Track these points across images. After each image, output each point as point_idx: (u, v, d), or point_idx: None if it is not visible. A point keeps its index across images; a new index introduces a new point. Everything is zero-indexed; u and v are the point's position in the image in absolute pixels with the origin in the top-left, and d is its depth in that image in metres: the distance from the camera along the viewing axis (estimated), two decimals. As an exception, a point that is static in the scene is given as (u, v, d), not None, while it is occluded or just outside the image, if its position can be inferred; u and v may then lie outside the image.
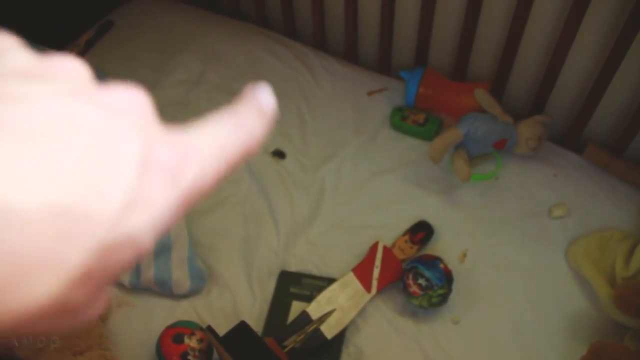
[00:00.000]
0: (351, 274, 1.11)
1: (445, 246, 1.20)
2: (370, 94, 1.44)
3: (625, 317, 1.06)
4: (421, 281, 1.05)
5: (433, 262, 1.08)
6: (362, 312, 1.09)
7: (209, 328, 0.96)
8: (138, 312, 1.12)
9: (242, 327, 0.99)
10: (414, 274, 1.07)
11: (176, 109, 1.43)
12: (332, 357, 1.04)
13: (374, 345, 1.07)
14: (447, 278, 1.07)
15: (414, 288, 1.06)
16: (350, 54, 1.52)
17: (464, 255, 1.18)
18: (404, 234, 1.19)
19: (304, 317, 1.06)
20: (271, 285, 1.15)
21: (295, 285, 1.14)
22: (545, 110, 1.35)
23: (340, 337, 1.06)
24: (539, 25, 1.24)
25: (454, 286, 1.09)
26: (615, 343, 0.96)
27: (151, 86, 1.45)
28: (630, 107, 1.24)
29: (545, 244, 1.20)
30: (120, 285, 1.14)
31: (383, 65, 1.49)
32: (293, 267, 1.17)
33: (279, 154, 1.33)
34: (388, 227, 1.22)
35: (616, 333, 1.08)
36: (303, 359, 1.03)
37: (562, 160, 1.32)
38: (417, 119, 1.34)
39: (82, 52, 1.52)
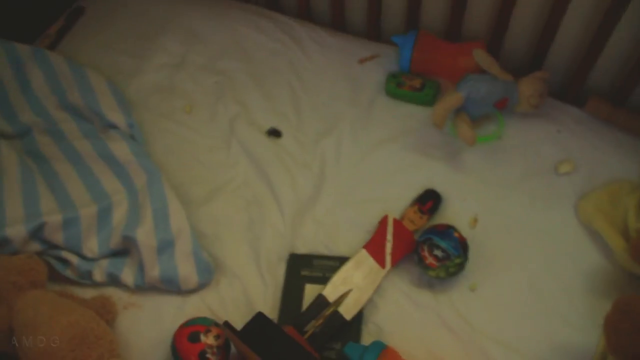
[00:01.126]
0: (364, 251, 1.08)
1: (455, 213, 1.17)
2: (362, 61, 1.38)
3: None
4: (437, 252, 1.03)
5: (447, 231, 1.05)
6: (378, 289, 1.07)
7: (227, 324, 0.93)
8: (146, 312, 1.07)
9: (259, 319, 0.96)
10: (429, 245, 1.04)
11: (161, 95, 1.36)
12: (353, 338, 1.02)
13: (393, 321, 1.05)
14: (463, 246, 1.05)
15: (430, 260, 1.03)
16: (337, 22, 1.46)
17: (475, 220, 1.16)
18: (412, 204, 1.16)
19: (321, 300, 1.03)
20: (281, 270, 1.11)
21: (306, 267, 1.10)
22: (544, 65, 1.31)
23: (359, 317, 1.03)
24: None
25: (469, 253, 1.07)
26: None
27: (132, 73, 1.39)
28: (631, 56, 1.21)
29: (555, 202, 1.18)
30: (124, 286, 1.09)
31: (373, 31, 1.43)
32: (302, 249, 1.14)
33: (274, 133, 1.28)
34: (394, 198, 1.18)
35: (631, 285, 1.07)
36: (324, 343, 1.00)
37: (564, 115, 1.29)
38: (413, 85, 1.30)
39: (54, 43, 1.44)
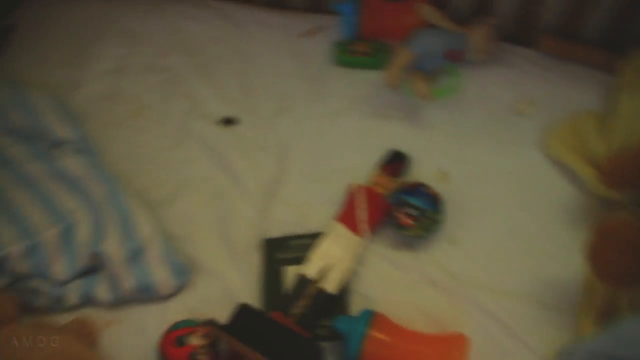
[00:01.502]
0: (337, 224, 1.06)
1: (424, 170, 1.15)
2: (307, 34, 1.35)
3: (616, 193, 1.04)
4: (411, 211, 1.01)
5: (417, 189, 1.03)
6: (358, 258, 1.05)
7: (211, 322, 0.90)
8: (128, 326, 1.03)
9: (243, 310, 0.93)
10: (402, 205, 1.02)
11: (108, 102, 1.31)
12: (342, 311, 1.00)
13: (379, 287, 1.03)
14: (437, 201, 1.03)
15: (406, 220, 1.01)
16: (276, 0, 1.42)
17: (445, 173, 1.14)
18: (379, 168, 1.14)
19: (303, 280, 1.01)
20: (258, 257, 1.08)
21: (282, 250, 1.07)
22: (492, 11, 1.30)
23: (344, 290, 1.01)
24: None
25: (444, 207, 1.06)
26: (622, 222, 0.92)
27: (74, 84, 1.34)
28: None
29: (521, 143, 1.18)
30: (101, 304, 1.05)
31: (315, 2, 1.40)
32: (276, 233, 1.11)
33: (228, 121, 1.24)
34: (361, 166, 1.16)
35: (607, 211, 1.07)
36: (314, 322, 0.98)
37: (519, 57, 1.29)
38: (363, 50, 1.27)
39: (-14, 66, 1.37)
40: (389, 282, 1.04)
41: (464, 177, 1.14)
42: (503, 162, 1.15)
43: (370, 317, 0.94)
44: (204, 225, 1.14)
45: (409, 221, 1.01)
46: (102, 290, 1.06)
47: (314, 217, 1.12)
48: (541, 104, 1.22)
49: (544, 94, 1.23)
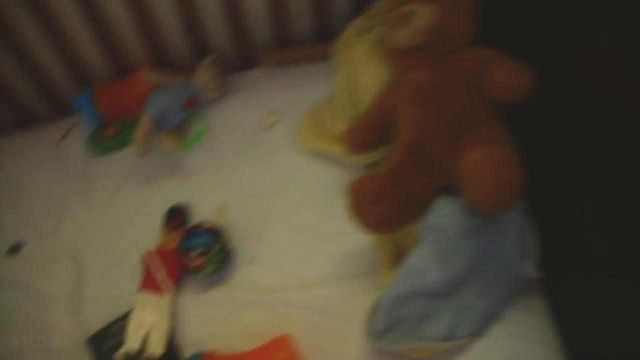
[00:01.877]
0: (140, 293, 1.11)
1: (204, 212, 1.24)
2: (61, 140, 1.40)
3: (365, 157, 1.18)
4: (195, 252, 1.09)
5: (194, 231, 1.11)
6: (176, 315, 1.11)
7: None
8: None
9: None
10: (188, 250, 1.09)
11: None
12: (176, 367, 1.05)
13: (203, 330, 1.09)
14: (216, 233, 1.12)
15: (195, 262, 1.09)
16: (20, 123, 1.46)
17: (225, 207, 1.23)
18: (163, 229, 1.20)
19: (129, 355, 1.05)
20: (89, 357, 1.10)
21: (107, 340, 1.10)
22: (208, 50, 1.43)
23: (171, 348, 1.06)
24: None
25: (234, 236, 1.15)
26: (364, 177, 1.03)
27: None
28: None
29: (279, 151, 1.30)
30: None
31: (57, 109, 1.46)
32: (96, 328, 1.13)
33: (14, 249, 1.26)
34: (149, 234, 1.22)
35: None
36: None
37: (250, 80, 1.43)
38: (112, 133, 1.35)
39: None
40: (210, 321, 1.10)
41: (242, 203, 1.24)
42: (270, 175, 1.27)
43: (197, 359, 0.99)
44: (27, 356, 1.13)
45: (199, 262, 1.09)
46: None
47: (125, 297, 1.15)
48: (285, 111, 1.35)
49: (284, 102, 1.37)
